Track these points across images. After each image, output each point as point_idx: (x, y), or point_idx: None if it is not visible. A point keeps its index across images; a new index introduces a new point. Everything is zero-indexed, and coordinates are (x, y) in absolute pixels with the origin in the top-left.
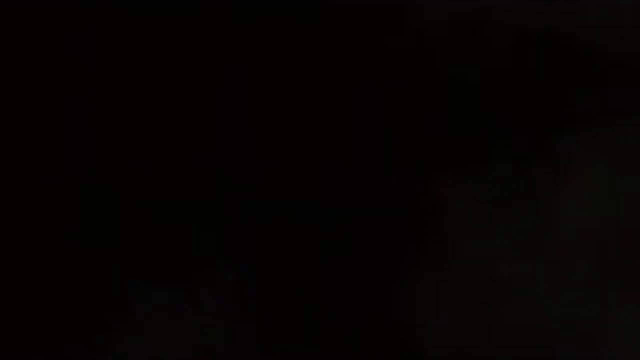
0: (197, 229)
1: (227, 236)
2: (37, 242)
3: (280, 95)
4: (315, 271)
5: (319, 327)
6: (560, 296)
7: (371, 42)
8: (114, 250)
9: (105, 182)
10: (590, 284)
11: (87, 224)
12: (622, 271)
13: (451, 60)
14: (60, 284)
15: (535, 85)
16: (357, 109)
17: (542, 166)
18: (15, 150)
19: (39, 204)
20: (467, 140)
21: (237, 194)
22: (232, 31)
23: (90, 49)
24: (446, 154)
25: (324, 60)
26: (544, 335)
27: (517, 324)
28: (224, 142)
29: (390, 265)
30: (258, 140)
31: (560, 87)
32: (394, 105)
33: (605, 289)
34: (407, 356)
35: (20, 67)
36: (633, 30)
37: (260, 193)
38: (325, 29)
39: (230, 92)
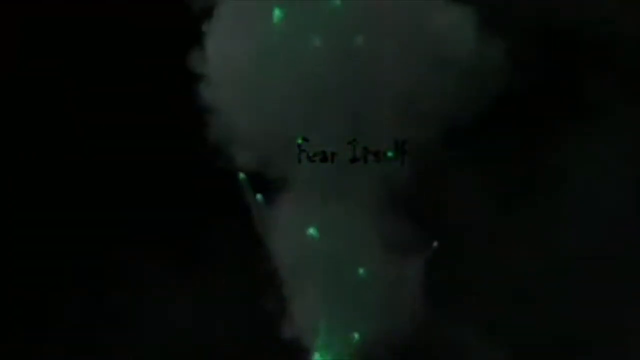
0: None
1: None
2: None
3: None
4: None
5: None
6: (562, 295)
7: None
8: None
9: None
10: (596, 282)
11: None
12: (629, 270)
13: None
14: None
15: (536, 82)
16: None
17: (544, 162)
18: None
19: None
20: (472, 135)
21: None
22: None
23: None
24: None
25: None
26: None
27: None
28: None
29: None
30: None
31: (562, 82)
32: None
33: (610, 288)
34: None
35: None
36: (633, 26)
37: None
38: None
39: None
